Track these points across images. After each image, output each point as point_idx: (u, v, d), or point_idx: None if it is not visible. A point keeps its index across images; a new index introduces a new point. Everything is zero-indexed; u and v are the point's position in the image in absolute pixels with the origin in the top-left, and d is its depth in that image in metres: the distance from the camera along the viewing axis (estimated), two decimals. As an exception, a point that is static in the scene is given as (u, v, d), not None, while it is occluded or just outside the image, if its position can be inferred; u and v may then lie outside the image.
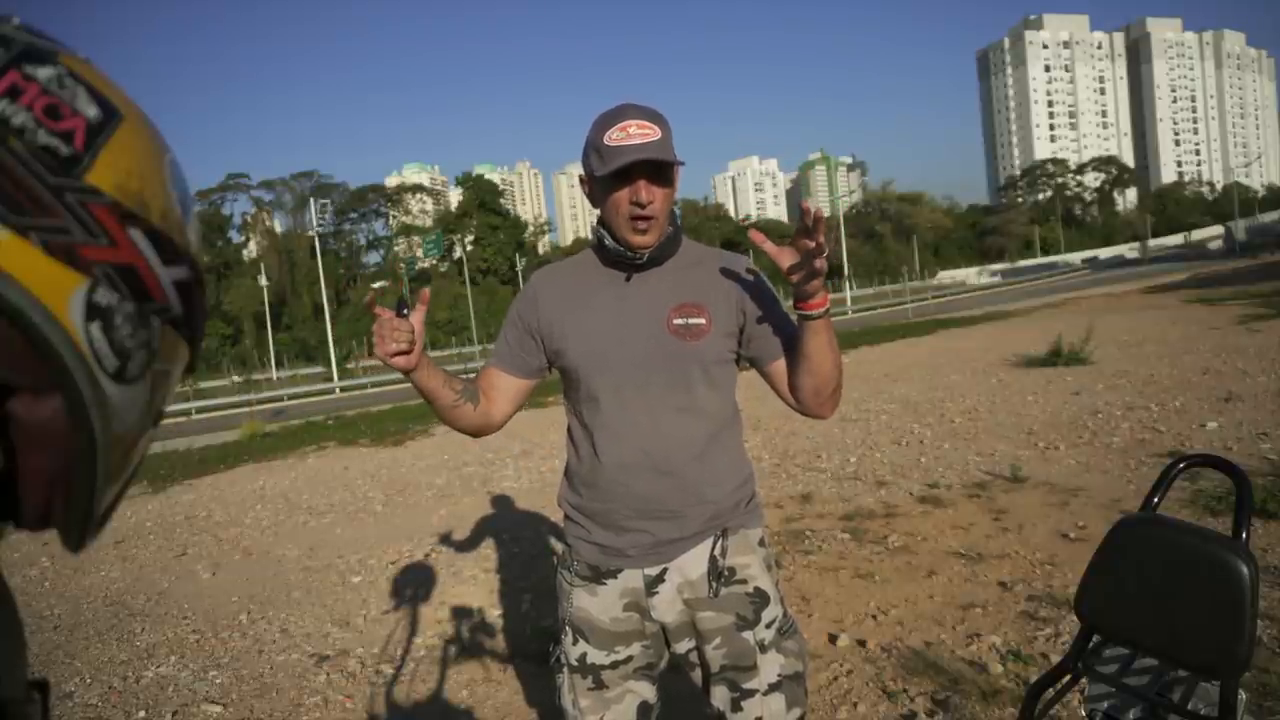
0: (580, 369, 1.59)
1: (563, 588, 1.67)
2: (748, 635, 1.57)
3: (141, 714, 3.38)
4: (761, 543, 1.65)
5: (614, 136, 1.46)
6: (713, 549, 1.57)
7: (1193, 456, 1.19)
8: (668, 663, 1.69)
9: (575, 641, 1.62)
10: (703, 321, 1.55)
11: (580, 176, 1.59)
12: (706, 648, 1.58)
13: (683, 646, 1.62)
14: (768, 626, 1.59)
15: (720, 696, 1.59)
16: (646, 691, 1.65)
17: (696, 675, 1.65)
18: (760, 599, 1.59)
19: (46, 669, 3.95)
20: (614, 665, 1.61)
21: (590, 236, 1.66)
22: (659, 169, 1.49)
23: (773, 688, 1.57)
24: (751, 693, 1.56)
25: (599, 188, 1.53)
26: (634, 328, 1.56)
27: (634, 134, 1.46)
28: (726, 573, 1.57)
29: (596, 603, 1.61)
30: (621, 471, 1.55)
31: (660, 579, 1.58)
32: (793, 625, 1.64)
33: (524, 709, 3.06)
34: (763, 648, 1.57)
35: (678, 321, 1.55)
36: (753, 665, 1.56)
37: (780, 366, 1.61)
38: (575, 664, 1.62)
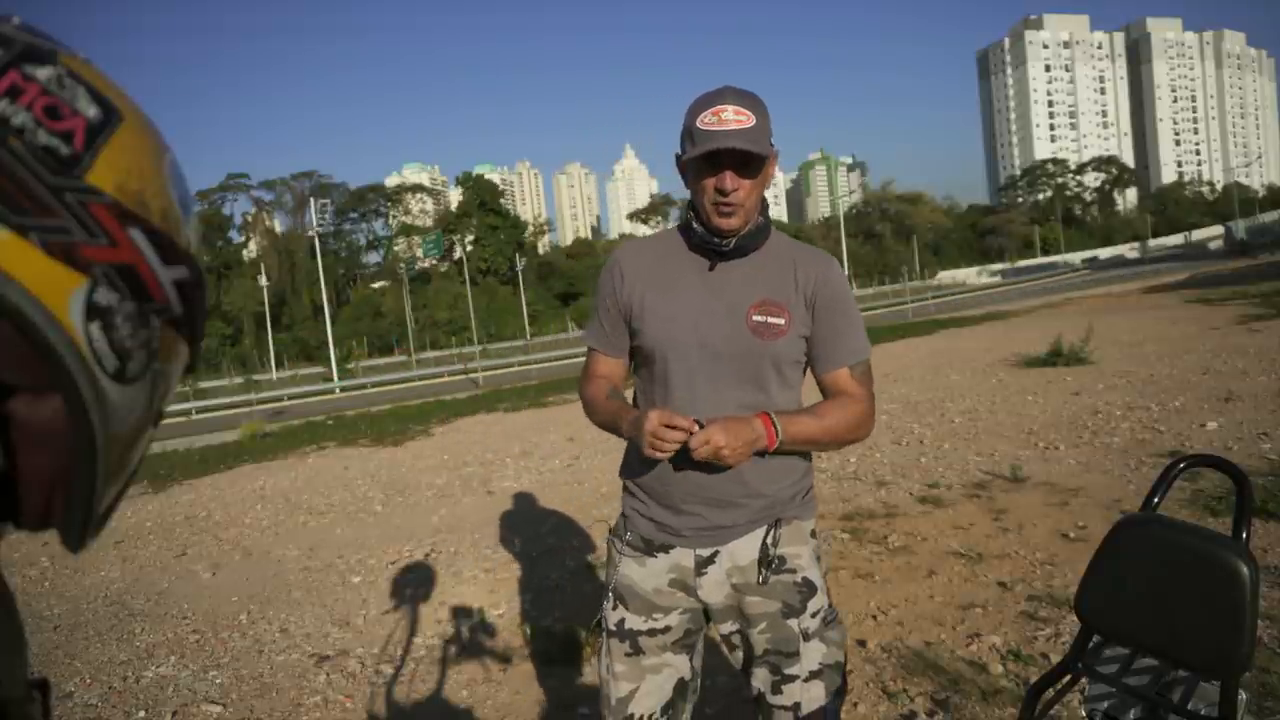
0: (655, 350, 1.59)
1: (612, 556, 1.69)
2: (793, 623, 1.58)
3: (141, 714, 3.38)
4: (813, 534, 1.66)
5: (707, 120, 1.45)
6: (765, 537, 1.58)
7: (1193, 456, 1.19)
8: (705, 640, 1.71)
9: (615, 607, 1.65)
10: (782, 322, 1.55)
11: (676, 155, 1.57)
12: (751, 631, 1.60)
13: (727, 628, 1.63)
14: (813, 616, 1.60)
15: (761, 678, 1.61)
16: (683, 667, 1.66)
17: (738, 656, 1.66)
18: (808, 589, 1.60)
19: (46, 669, 3.95)
20: (651, 633, 1.62)
21: (683, 214, 1.64)
22: (747, 158, 1.47)
23: (813, 675, 1.58)
24: (792, 678, 1.58)
25: (689, 170, 1.52)
26: (713, 319, 1.56)
27: (728, 119, 1.44)
28: (776, 561, 1.58)
29: (643, 573, 1.63)
30: (682, 456, 1.53)
31: (710, 560, 1.59)
32: (836, 616, 1.65)
33: (524, 709, 3.05)
34: (806, 636, 1.58)
35: (757, 318, 1.55)
36: (796, 652, 1.58)
37: (827, 381, 1.61)
38: (614, 629, 1.64)
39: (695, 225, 1.55)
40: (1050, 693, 1.14)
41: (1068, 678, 1.12)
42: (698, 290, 1.58)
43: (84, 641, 4.33)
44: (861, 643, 3.18)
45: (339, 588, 4.80)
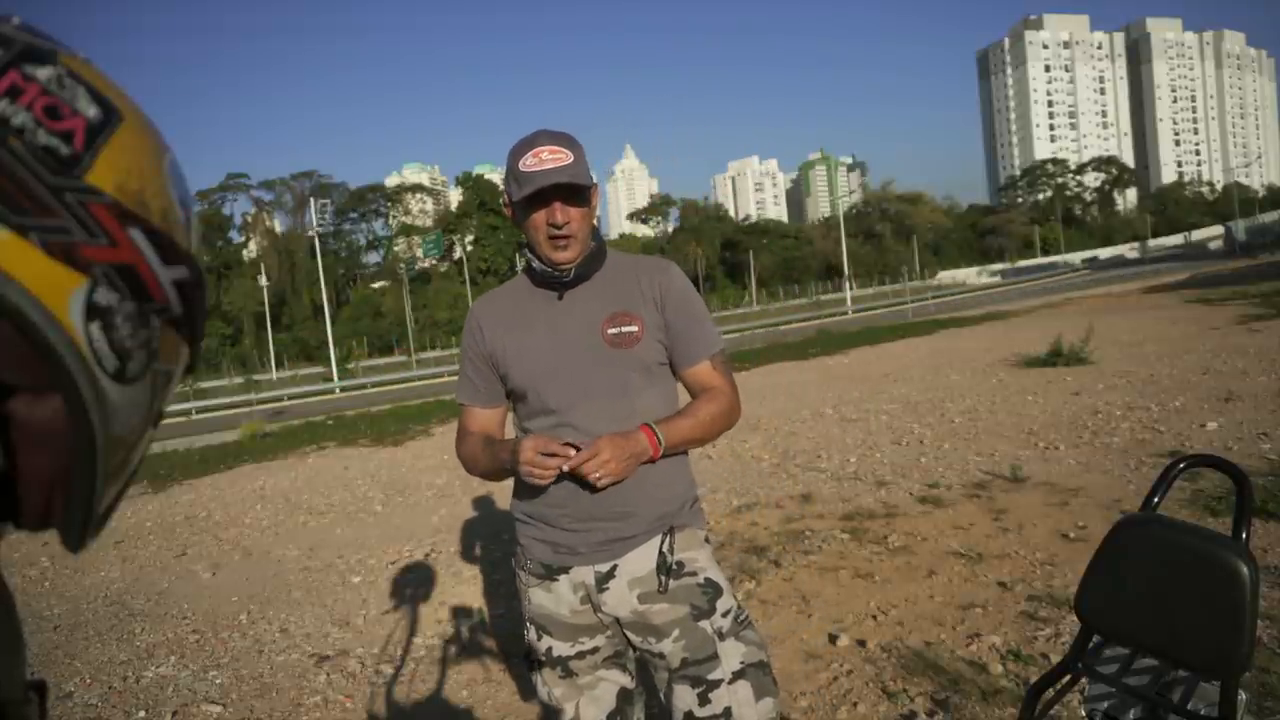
0: (527, 389, 1.66)
1: (520, 588, 1.73)
2: (705, 625, 1.59)
3: (141, 714, 3.38)
4: (707, 540, 1.70)
5: (528, 162, 1.55)
6: (661, 545, 1.61)
7: (1193, 456, 1.19)
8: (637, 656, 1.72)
9: (539, 637, 1.69)
10: (635, 329, 1.62)
11: (502, 201, 1.70)
12: (665, 642, 1.60)
13: (641, 643, 1.64)
14: (724, 615, 1.61)
15: (684, 696, 1.59)
16: (622, 679, 1.69)
17: (662, 676, 1.66)
18: (713, 589, 1.62)
19: (46, 669, 3.95)
20: (580, 655, 1.66)
21: (520, 259, 1.76)
22: (573, 191, 1.57)
23: (737, 675, 1.58)
24: (716, 683, 1.57)
25: (519, 211, 1.61)
26: (572, 343, 1.63)
27: (546, 159, 1.54)
28: (675, 567, 1.61)
29: (552, 599, 1.66)
30: (570, 479, 1.58)
31: (610, 575, 1.62)
32: (748, 618, 1.67)
33: (524, 709, 3.05)
34: (721, 635, 1.59)
35: (612, 331, 1.62)
36: (714, 655, 1.58)
37: (689, 376, 1.69)
38: (544, 658, 1.68)
39: (534, 264, 1.65)
40: (1050, 693, 1.14)
41: (1068, 678, 1.12)
42: (552, 321, 1.66)
43: (84, 641, 4.33)
44: (861, 643, 3.18)
45: (339, 588, 4.80)
